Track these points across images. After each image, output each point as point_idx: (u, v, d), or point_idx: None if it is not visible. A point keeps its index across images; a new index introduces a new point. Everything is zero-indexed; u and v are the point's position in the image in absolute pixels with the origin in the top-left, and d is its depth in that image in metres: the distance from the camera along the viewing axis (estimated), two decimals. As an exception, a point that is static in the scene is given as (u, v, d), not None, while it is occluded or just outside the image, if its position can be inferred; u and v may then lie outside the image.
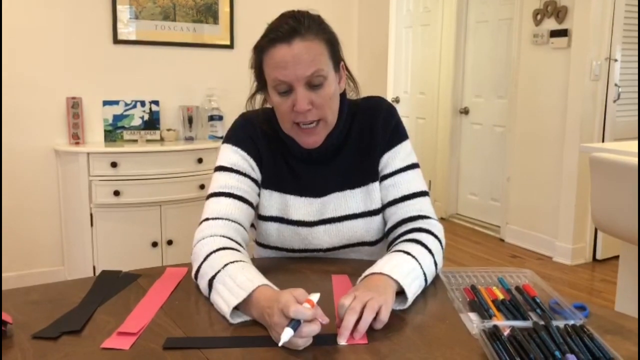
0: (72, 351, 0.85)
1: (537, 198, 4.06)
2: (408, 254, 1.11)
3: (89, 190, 2.94)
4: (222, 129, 3.35)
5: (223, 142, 1.30)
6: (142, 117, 3.28)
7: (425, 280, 1.11)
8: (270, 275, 1.20)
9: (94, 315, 0.97)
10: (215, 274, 1.04)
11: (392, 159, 1.28)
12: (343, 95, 1.28)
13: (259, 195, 1.29)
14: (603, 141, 3.74)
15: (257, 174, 1.27)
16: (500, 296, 1.03)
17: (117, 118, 3.23)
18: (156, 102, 3.31)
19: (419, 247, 1.15)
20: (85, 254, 2.99)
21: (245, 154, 1.26)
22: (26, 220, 3.10)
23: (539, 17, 3.90)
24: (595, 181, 2.16)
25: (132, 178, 2.98)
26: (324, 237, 1.28)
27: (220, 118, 3.35)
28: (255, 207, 1.27)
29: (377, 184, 1.28)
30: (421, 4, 5.14)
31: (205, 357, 0.83)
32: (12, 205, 3.05)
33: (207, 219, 1.18)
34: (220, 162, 1.26)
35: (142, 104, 3.27)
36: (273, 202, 1.29)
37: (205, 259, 1.09)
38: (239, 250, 1.12)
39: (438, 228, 1.23)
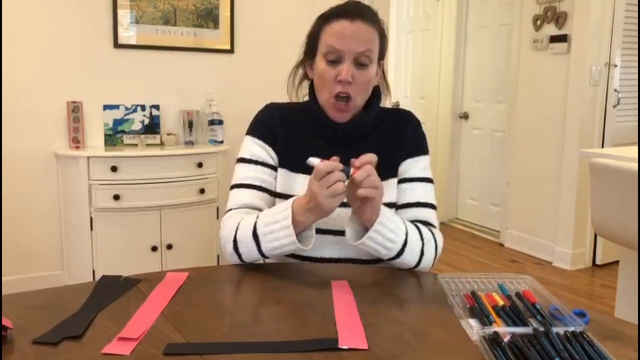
0: (72, 356, 0.85)
1: (537, 203, 4.06)
2: (403, 222, 1.25)
3: (88, 194, 2.94)
4: (222, 133, 3.36)
5: (245, 134, 1.41)
6: (142, 122, 3.28)
7: (403, 248, 1.21)
8: (272, 279, 1.20)
9: (94, 321, 0.97)
10: (254, 226, 1.20)
11: (413, 166, 1.38)
12: (379, 92, 1.41)
13: (276, 179, 1.38)
14: (603, 147, 3.74)
15: (274, 160, 1.37)
16: (501, 302, 1.03)
17: (118, 122, 3.23)
18: (156, 107, 3.31)
19: (416, 231, 1.27)
20: (84, 258, 2.99)
21: (261, 142, 1.37)
22: (26, 224, 3.10)
23: (538, 22, 3.91)
24: (595, 186, 2.17)
25: (132, 182, 2.99)
26: (336, 219, 1.31)
27: (221, 122, 3.36)
28: (274, 193, 1.37)
29: (395, 179, 1.37)
30: (421, 8, 5.15)
31: (205, 362, 0.83)
32: (12, 208, 3.05)
33: (230, 209, 1.32)
34: (241, 153, 1.38)
35: (143, 108, 3.28)
36: (290, 181, 1.35)
37: (237, 229, 1.23)
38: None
39: (439, 236, 1.33)
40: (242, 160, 1.37)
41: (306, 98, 1.42)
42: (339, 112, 1.33)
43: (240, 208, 1.31)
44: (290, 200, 1.19)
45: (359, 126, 1.36)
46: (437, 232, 1.33)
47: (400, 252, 1.22)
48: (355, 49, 1.27)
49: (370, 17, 1.30)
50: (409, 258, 1.24)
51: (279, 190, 1.37)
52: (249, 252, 1.23)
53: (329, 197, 1.10)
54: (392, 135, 1.39)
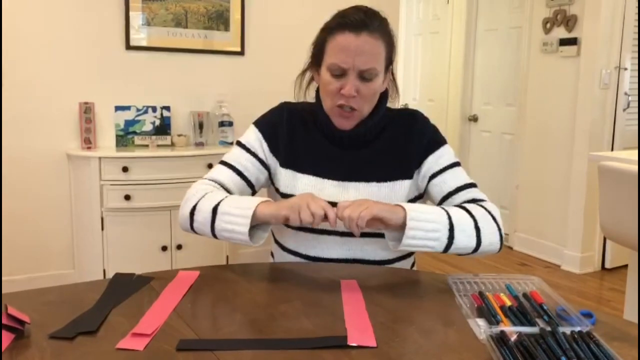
0: (87, 351, 0.87)
1: (546, 206, 4.05)
2: (442, 208, 1.22)
3: (100, 194, 2.97)
4: (233, 134, 3.38)
5: (252, 123, 1.45)
6: (153, 123, 3.31)
7: (451, 230, 1.17)
8: (282, 279, 1.22)
9: (108, 317, 0.99)
10: (219, 203, 1.23)
11: (437, 160, 1.36)
12: (386, 94, 1.39)
13: (269, 173, 1.41)
14: (612, 150, 3.73)
15: (266, 156, 1.40)
16: (508, 302, 1.04)
17: (129, 123, 3.27)
18: (167, 108, 3.34)
19: (457, 208, 1.23)
20: (95, 257, 3.02)
21: (260, 136, 1.40)
22: (37, 224, 3.13)
23: (548, 25, 3.91)
24: (604, 190, 2.17)
25: (143, 183, 3.01)
26: None
27: (231, 124, 3.38)
28: (252, 184, 1.40)
29: (407, 182, 1.36)
30: (431, 11, 5.16)
31: (217, 358, 0.85)
32: (24, 208, 3.08)
33: (205, 179, 1.37)
34: (240, 137, 1.43)
35: (154, 109, 3.31)
36: (295, 181, 1.36)
37: (202, 197, 1.27)
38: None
39: (493, 208, 1.28)
40: (238, 143, 1.42)
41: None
42: (344, 119, 1.33)
43: (212, 181, 1.35)
44: (261, 197, 1.24)
45: (364, 131, 1.36)
46: (488, 204, 1.29)
47: (451, 237, 1.17)
48: (359, 65, 1.24)
49: (376, 26, 1.26)
50: (465, 240, 1.19)
51: (283, 190, 1.38)
52: (202, 223, 1.25)
53: (296, 211, 1.14)
54: (400, 137, 1.38)
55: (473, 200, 1.31)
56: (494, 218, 1.25)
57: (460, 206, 1.26)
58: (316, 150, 1.38)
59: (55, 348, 0.87)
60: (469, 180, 1.36)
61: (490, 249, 1.23)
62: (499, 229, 1.25)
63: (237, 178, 1.37)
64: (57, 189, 3.15)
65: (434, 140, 1.38)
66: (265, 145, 1.40)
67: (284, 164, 1.39)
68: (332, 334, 0.93)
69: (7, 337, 0.89)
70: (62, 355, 0.85)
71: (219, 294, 1.15)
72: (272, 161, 1.41)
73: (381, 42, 1.27)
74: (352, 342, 0.90)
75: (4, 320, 0.89)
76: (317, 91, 1.40)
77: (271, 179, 1.43)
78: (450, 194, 1.33)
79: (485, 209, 1.26)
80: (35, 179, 3.10)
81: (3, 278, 2.90)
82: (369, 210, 1.12)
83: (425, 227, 1.15)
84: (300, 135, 1.40)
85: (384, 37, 1.28)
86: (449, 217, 1.19)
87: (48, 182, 3.13)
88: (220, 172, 1.38)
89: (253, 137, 1.41)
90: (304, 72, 1.43)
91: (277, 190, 1.41)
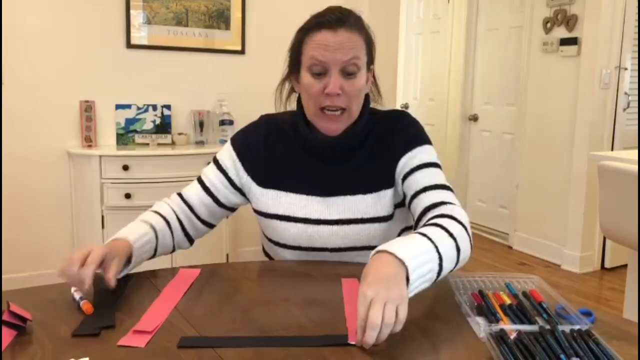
0: (89, 348, 0.87)
1: (546, 205, 4.06)
2: (423, 235, 1.03)
3: (100, 192, 2.97)
4: (233, 133, 3.38)
5: (230, 138, 1.40)
6: (153, 121, 3.31)
7: (440, 264, 1.01)
8: (283, 276, 1.22)
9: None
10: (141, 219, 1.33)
11: (411, 159, 1.27)
12: (367, 100, 1.33)
13: (242, 194, 1.36)
14: (612, 149, 3.74)
15: (239, 176, 1.35)
16: (508, 301, 1.04)
17: (129, 122, 3.27)
18: (168, 107, 3.34)
19: (437, 229, 1.07)
20: (96, 255, 3.02)
21: (234, 155, 1.35)
22: (38, 222, 3.14)
23: (549, 25, 3.91)
24: (604, 189, 2.17)
25: (143, 181, 3.02)
26: (330, 237, 1.29)
27: (231, 123, 3.38)
28: (222, 203, 1.36)
29: (390, 191, 1.30)
30: (431, 11, 5.16)
31: (218, 356, 0.85)
32: (25, 206, 3.09)
33: (178, 193, 1.38)
34: (217, 153, 1.39)
35: (154, 108, 3.31)
36: (279, 201, 1.31)
37: (149, 212, 1.36)
38: (163, 217, 1.34)
39: (461, 213, 1.15)
40: (214, 160, 1.38)
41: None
42: (331, 122, 1.25)
43: (181, 202, 1.36)
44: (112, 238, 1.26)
45: (348, 140, 1.29)
46: (456, 209, 1.15)
47: (439, 271, 1.02)
48: (340, 58, 1.19)
49: (353, 23, 1.22)
50: (452, 258, 1.06)
51: (266, 210, 1.32)
52: None
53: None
54: (384, 142, 1.31)
55: (442, 203, 1.18)
56: (465, 228, 1.12)
57: (434, 224, 1.09)
58: (298, 167, 1.31)
59: (57, 345, 0.88)
60: (441, 182, 1.24)
61: (462, 265, 1.12)
62: (469, 239, 1.12)
63: (206, 197, 1.35)
64: (57, 187, 3.16)
65: (412, 139, 1.29)
66: (238, 164, 1.34)
67: (263, 184, 1.33)
68: (333, 332, 0.93)
69: (9, 334, 0.89)
70: (64, 353, 0.85)
71: (220, 291, 1.15)
72: (246, 181, 1.34)
73: (359, 37, 1.23)
74: (352, 341, 0.90)
75: (6, 317, 0.89)
76: (298, 100, 1.33)
77: (249, 198, 1.37)
78: (417, 193, 1.22)
79: (455, 219, 1.12)
80: (36, 177, 3.11)
81: (4, 276, 2.91)
82: (400, 315, 0.90)
83: (423, 275, 0.99)
84: (280, 152, 1.33)
85: (361, 32, 1.24)
86: (437, 251, 1.02)
87: (49, 180, 3.14)
88: (193, 190, 1.36)
89: (227, 155, 1.36)
90: (283, 81, 1.36)
91: (258, 211, 1.35)
